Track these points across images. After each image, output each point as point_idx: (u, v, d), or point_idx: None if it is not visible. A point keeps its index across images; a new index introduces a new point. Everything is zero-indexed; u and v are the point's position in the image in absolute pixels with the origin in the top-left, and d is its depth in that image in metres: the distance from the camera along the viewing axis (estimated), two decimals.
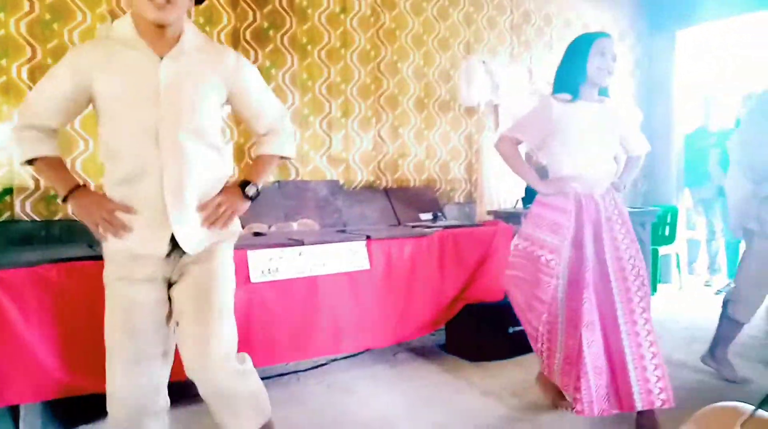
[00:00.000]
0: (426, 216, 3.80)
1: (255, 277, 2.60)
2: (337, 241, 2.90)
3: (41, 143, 1.62)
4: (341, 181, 3.80)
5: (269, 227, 3.25)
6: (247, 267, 2.59)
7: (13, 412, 2.38)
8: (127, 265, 1.64)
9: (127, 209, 1.61)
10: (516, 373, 3.05)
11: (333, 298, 2.82)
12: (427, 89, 4.20)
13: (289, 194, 3.55)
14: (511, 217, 3.78)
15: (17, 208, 2.77)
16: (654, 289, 4.60)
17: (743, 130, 2.92)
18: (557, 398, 2.59)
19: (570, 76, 2.39)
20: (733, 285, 2.98)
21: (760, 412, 0.96)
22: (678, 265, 5.22)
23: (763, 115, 2.80)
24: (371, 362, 3.27)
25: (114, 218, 1.60)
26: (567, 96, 2.38)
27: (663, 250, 5.02)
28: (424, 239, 3.15)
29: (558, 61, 2.47)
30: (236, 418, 1.71)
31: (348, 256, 2.88)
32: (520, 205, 4.09)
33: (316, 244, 2.83)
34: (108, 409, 1.66)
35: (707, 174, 5.11)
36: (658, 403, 2.21)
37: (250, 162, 2.34)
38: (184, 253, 1.68)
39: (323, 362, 3.22)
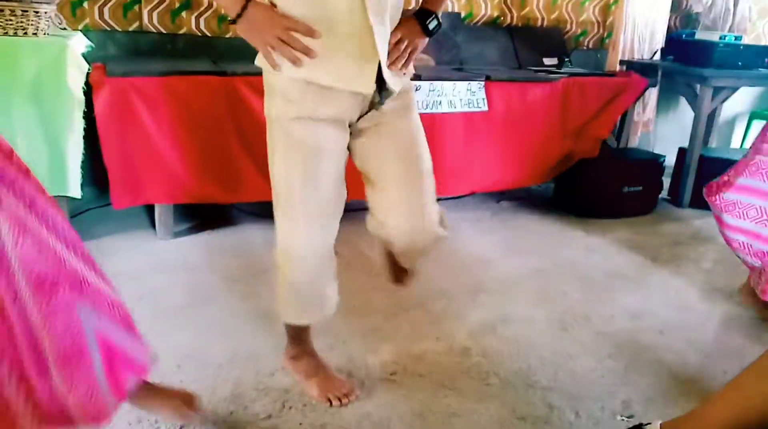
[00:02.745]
0: (550, 61, 3.53)
1: None
2: (455, 79, 2.78)
3: None
4: (463, 14, 3.54)
5: None
6: None
7: (150, 211, 2.64)
8: (309, 101, 1.31)
9: (310, 31, 1.24)
10: (624, 233, 2.97)
11: (448, 138, 2.77)
12: None
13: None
14: (647, 70, 3.43)
15: (145, 19, 2.81)
16: None
17: None
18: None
19: None
20: None
21: None
22: None
23: None
24: (474, 206, 3.28)
25: (293, 39, 1.24)
26: None
27: None
28: (547, 85, 2.95)
29: None
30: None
31: (466, 96, 2.77)
32: (658, 56, 3.69)
33: (434, 80, 2.73)
34: (283, 268, 1.49)
35: None
36: None
37: None
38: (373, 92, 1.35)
39: None
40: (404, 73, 1.40)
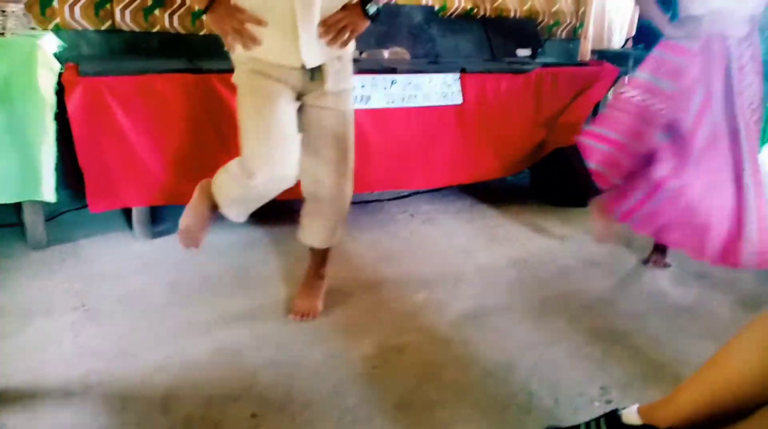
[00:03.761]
0: (524, 51, 3.56)
1: None
2: (431, 72, 2.79)
3: None
4: (436, 8, 3.55)
5: (360, 53, 3.15)
6: None
7: (127, 211, 2.62)
8: (261, 67, 1.67)
9: (258, 21, 1.61)
10: None
11: (423, 132, 2.78)
12: None
13: (381, 19, 3.36)
14: (618, 58, 3.48)
15: (117, 18, 2.78)
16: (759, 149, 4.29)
17: None
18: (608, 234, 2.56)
19: None
20: None
21: None
22: None
23: None
24: (452, 198, 3.32)
25: (244, 29, 1.62)
26: None
27: None
28: (521, 76, 2.98)
29: None
30: (328, 233, 1.97)
31: (441, 89, 2.78)
32: (629, 45, 3.74)
33: (409, 73, 2.74)
34: (241, 174, 1.71)
35: None
36: None
37: None
38: (315, 69, 1.69)
39: (406, 193, 3.29)
40: (336, 46, 1.68)
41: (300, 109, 1.79)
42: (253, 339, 1.86)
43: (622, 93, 2.34)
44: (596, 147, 2.37)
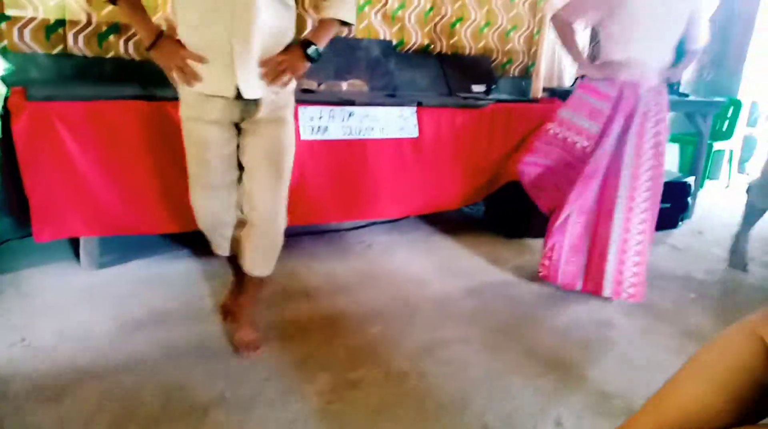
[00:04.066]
0: (478, 87, 3.65)
1: (304, 134, 2.57)
2: (388, 105, 2.82)
3: None
4: (394, 42, 3.62)
5: (318, 85, 3.17)
6: (297, 123, 2.56)
7: (74, 240, 2.53)
8: (199, 106, 1.75)
9: (199, 58, 1.68)
10: None
11: (380, 163, 2.80)
12: None
13: (340, 52, 3.41)
14: (569, 96, 3.60)
15: (70, 42, 2.72)
16: (701, 185, 4.50)
17: None
18: None
19: None
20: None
21: None
22: (730, 162, 5.05)
23: None
24: (409, 229, 3.34)
25: (187, 66, 1.68)
26: None
27: (717, 145, 4.82)
28: (476, 111, 3.05)
29: None
30: (265, 260, 1.95)
31: (398, 122, 2.82)
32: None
33: (367, 106, 2.77)
34: (195, 217, 1.95)
35: None
36: (624, 296, 2.46)
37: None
38: (251, 99, 1.75)
39: (364, 224, 3.29)
40: (277, 86, 1.74)
41: (240, 134, 1.85)
42: (204, 374, 1.80)
43: (548, 129, 2.61)
44: (533, 171, 2.68)
